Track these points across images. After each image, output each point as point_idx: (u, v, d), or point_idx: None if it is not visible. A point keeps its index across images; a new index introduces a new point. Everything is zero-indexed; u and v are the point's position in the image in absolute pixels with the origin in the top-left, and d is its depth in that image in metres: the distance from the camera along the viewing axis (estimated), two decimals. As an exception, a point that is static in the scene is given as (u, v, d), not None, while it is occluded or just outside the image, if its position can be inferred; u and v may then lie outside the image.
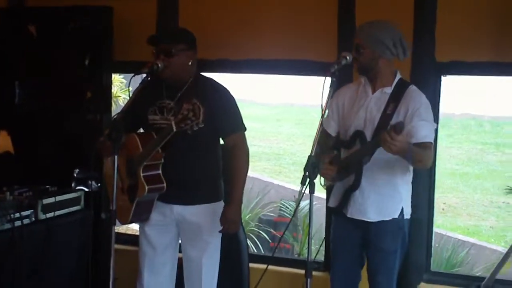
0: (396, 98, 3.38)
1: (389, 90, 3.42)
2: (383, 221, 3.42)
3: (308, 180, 2.93)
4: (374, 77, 3.43)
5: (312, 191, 2.96)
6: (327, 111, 3.56)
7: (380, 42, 3.33)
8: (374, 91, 3.46)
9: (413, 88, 3.43)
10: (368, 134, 3.39)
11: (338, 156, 3.51)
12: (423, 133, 3.27)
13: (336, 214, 3.59)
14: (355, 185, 3.42)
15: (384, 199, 3.42)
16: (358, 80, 3.57)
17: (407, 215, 3.48)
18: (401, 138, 2.99)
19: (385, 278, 3.50)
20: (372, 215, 3.42)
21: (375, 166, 3.36)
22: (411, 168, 3.44)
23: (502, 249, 8.75)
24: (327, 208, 3.79)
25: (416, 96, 3.38)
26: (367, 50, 3.35)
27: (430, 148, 3.31)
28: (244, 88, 11.69)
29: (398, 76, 3.46)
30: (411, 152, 3.11)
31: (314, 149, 3.05)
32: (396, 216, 3.42)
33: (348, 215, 3.48)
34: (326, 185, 3.58)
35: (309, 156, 3.01)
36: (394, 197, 3.43)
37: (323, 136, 3.57)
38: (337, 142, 3.58)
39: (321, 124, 3.12)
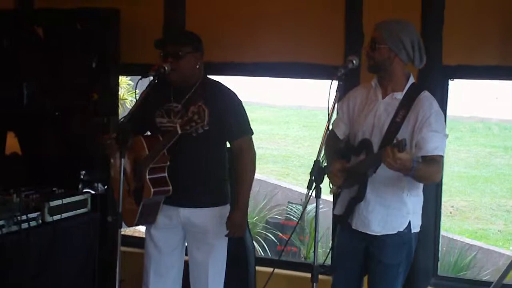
0: (406, 105, 3.18)
1: (399, 95, 3.22)
2: (387, 234, 3.26)
3: (314, 184, 2.90)
4: (385, 79, 3.24)
5: (318, 195, 2.93)
6: (337, 113, 3.46)
7: (399, 41, 3.14)
8: (384, 95, 3.27)
9: (425, 94, 3.21)
10: (376, 142, 3.22)
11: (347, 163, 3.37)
12: (432, 145, 3.08)
13: (341, 223, 3.46)
14: (360, 197, 3.26)
15: (390, 211, 3.24)
16: (369, 82, 3.38)
17: (416, 228, 3.30)
18: (403, 156, 2.81)
19: None
20: (377, 228, 3.26)
21: (381, 178, 3.19)
22: None
23: (510, 253, 8.71)
24: (333, 215, 3.62)
25: (427, 104, 3.15)
26: (384, 47, 3.15)
27: (438, 161, 3.09)
28: (252, 90, 11.69)
29: (411, 81, 3.26)
30: (414, 171, 2.90)
31: (323, 151, 2.99)
32: (402, 230, 3.25)
33: (353, 227, 3.33)
34: (333, 191, 3.39)
35: (315, 161, 2.95)
36: (401, 210, 3.25)
37: (331, 138, 3.45)
38: (347, 147, 3.41)
39: (327, 129, 3.05)
